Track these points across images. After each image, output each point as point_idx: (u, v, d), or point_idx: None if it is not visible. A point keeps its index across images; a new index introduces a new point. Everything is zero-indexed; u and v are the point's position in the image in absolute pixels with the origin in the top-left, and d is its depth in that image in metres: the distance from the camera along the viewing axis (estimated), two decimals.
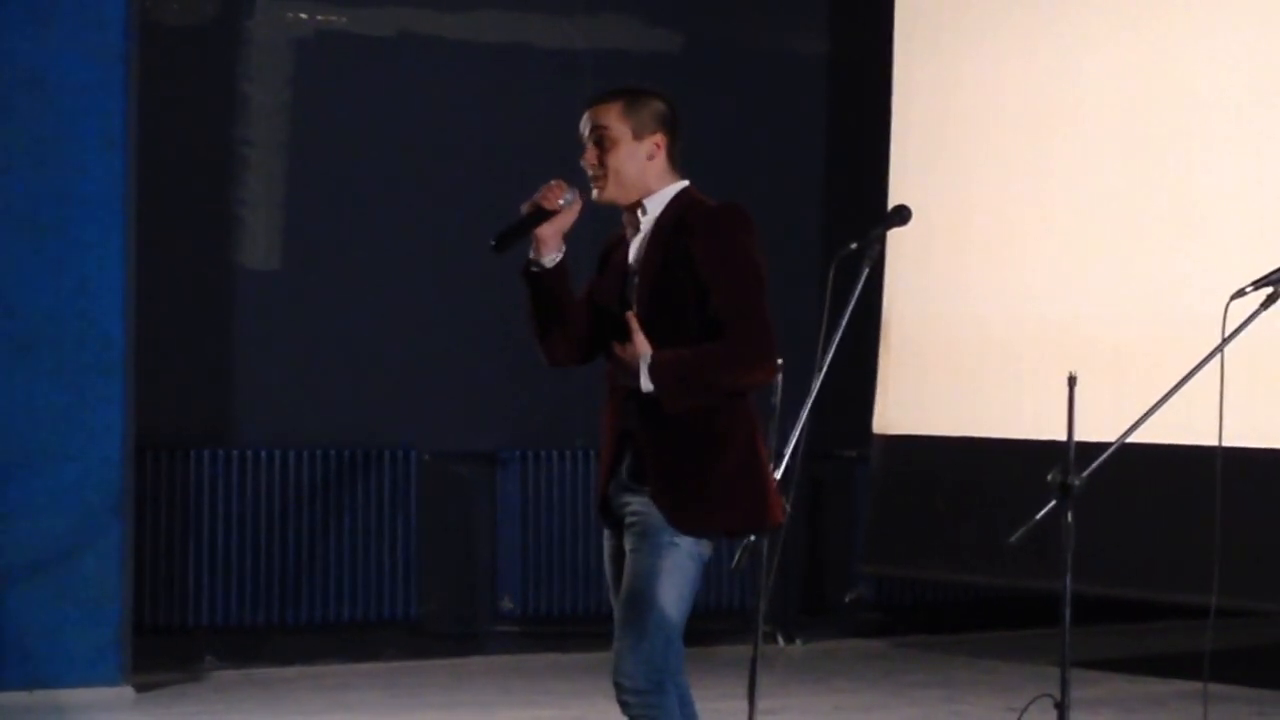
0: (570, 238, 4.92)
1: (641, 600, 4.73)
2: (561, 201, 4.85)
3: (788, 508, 4.45)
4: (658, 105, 4.92)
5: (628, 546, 4.82)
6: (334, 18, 10.24)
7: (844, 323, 4.40)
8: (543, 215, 4.85)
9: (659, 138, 4.88)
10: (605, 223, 5.05)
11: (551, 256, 4.91)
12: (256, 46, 10.10)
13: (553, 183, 4.89)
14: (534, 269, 4.92)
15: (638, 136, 4.86)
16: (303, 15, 10.19)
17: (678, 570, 4.73)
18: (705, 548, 4.78)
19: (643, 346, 4.73)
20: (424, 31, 10.40)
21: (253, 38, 10.09)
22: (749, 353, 4.71)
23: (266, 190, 10.12)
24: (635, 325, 4.75)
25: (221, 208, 10.05)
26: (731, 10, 11.06)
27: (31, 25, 8.78)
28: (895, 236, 4.80)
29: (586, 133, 4.90)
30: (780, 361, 4.56)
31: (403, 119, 10.33)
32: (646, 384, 4.71)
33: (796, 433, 4.36)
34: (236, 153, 10.08)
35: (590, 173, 4.89)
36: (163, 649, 9.53)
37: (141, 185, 9.08)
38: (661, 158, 4.89)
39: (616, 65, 10.55)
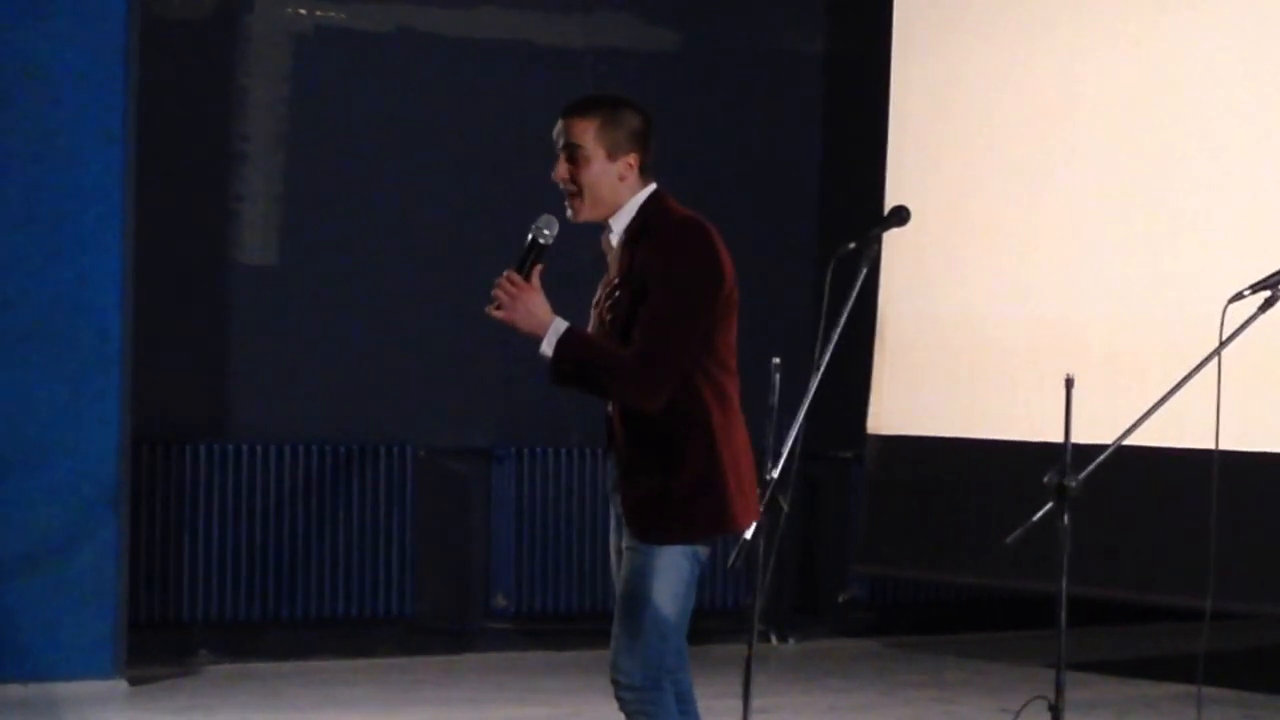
0: (572, 249, 4.89)
1: (636, 598, 4.75)
2: (545, 234, 4.78)
3: (761, 508, 4.42)
4: (635, 122, 4.86)
5: (623, 544, 4.85)
6: (333, 13, 10.24)
7: (842, 323, 4.40)
8: (535, 247, 4.80)
9: (632, 158, 4.84)
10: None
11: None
12: (256, 41, 10.10)
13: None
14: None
15: (611, 157, 4.83)
16: (302, 10, 10.19)
17: (671, 568, 4.74)
18: (700, 547, 4.80)
19: (542, 309, 4.72)
20: (422, 28, 10.40)
21: (252, 33, 10.09)
22: (640, 379, 4.70)
23: (264, 185, 10.12)
24: (531, 285, 4.73)
25: (219, 202, 10.05)
26: (729, 9, 11.07)
27: (31, 18, 8.78)
28: (891, 236, 4.79)
29: (559, 144, 4.87)
30: (777, 361, 4.55)
31: (401, 115, 10.34)
32: (547, 348, 4.72)
33: (793, 432, 4.35)
34: (235, 147, 10.08)
35: (563, 188, 4.88)
36: (157, 643, 9.53)
37: (140, 179, 9.08)
38: (633, 176, 4.86)
39: (615, 63, 10.57)
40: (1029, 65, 9.56)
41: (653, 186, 4.90)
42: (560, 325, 4.73)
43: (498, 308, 4.77)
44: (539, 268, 4.78)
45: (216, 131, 10.04)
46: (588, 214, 4.88)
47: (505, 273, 4.76)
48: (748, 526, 4.80)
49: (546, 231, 4.79)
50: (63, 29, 8.81)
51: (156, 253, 9.48)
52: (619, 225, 4.86)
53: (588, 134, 4.83)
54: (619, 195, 4.86)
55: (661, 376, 4.70)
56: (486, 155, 10.43)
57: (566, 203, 4.89)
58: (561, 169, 4.87)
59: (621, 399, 4.76)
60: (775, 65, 11.17)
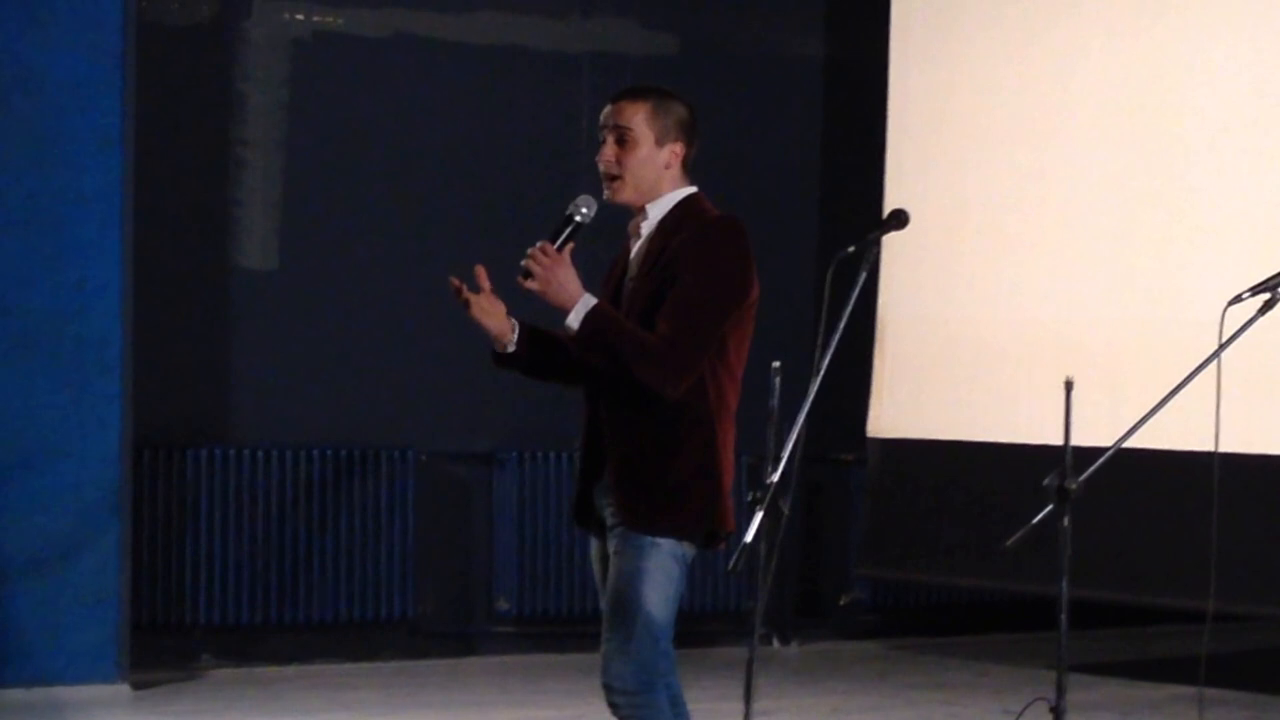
0: (578, 244, 4.89)
1: (627, 602, 4.74)
2: (584, 212, 4.81)
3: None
4: (682, 112, 4.90)
5: (611, 549, 4.84)
6: (331, 18, 10.24)
7: (842, 326, 4.40)
8: (573, 224, 4.81)
9: (678, 146, 4.88)
10: (610, 233, 5.04)
11: (510, 340, 4.93)
12: (254, 46, 10.10)
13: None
14: (500, 354, 4.97)
15: (659, 143, 4.86)
16: (299, 16, 10.19)
17: (660, 570, 4.74)
18: (688, 548, 4.79)
19: (573, 282, 4.71)
20: (420, 33, 10.40)
21: (250, 38, 10.09)
22: (664, 362, 4.68)
23: (263, 190, 10.12)
24: (563, 257, 4.72)
25: (218, 207, 10.05)
26: (728, 13, 11.07)
27: (29, 24, 8.79)
28: (890, 239, 4.79)
29: (608, 127, 4.88)
30: (778, 365, 4.56)
31: (399, 120, 10.34)
32: (574, 321, 4.70)
33: (794, 435, 4.35)
34: (233, 152, 10.08)
35: (605, 170, 4.88)
36: (160, 647, 9.54)
37: (139, 184, 9.09)
38: (677, 166, 4.89)
39: (612, 68, 10.56)
40: (1027, 68, 9.57)
41: (694, 188, 4.92)
42: (589, 300, 4.72)
43: (527, 277, 4.74)
44: (571, 245, 4.77)
45: (215, 136, 10.05)
46: (627, 196, 4.89)
47: (539, 243, 4.74)
48: (731, 529, 4.82)
49: (585, 210, 4.80)
50: (60, 35, 8.82)
51: (156, 257, 9.49)
52: (656, 213, 4.88)
53: (638, 117, 4.85)
54: (661, 183, 4.88)
55: (687, 360, 4.70)
56: (485, 159, 10.43)
57: (605, 184, 4.89)
58: (609, 151, 4.87)
59: (643, 379, 4.71)
60: (774, 69, 11.17)
